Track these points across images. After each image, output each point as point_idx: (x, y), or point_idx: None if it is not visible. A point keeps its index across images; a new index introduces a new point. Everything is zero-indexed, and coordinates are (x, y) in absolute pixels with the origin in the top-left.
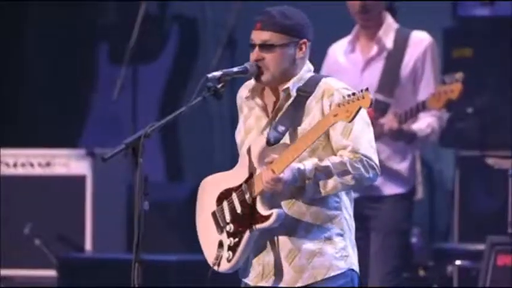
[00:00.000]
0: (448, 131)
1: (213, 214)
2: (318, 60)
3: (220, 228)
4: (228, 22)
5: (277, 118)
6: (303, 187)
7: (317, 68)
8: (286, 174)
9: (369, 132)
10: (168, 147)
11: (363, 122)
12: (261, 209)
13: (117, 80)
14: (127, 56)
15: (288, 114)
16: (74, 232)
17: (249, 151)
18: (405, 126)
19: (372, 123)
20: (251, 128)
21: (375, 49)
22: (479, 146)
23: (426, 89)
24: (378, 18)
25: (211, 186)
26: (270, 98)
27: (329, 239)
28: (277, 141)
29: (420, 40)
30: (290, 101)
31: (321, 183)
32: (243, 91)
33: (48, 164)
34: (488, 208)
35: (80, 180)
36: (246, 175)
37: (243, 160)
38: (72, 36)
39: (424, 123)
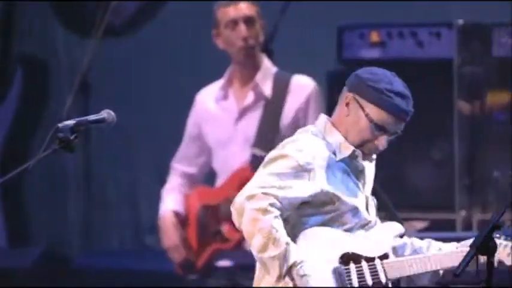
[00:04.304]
0: None
1: (335, 270)
2: None
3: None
4: (81, 64)
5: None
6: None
7: None
8: None
9: None
10: (10, 208)
11: None
12: None
13: None
14: None
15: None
16: None
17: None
18: None
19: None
20: (354, 190)
21: (251, 96)
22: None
23: None
24: (257, 57)
25: (326, 238)
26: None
27: None
28: None
29: (302, 86)
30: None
31: None
32: (321, 152)
33: None
34: None
35: None
36: (373, 249)
37: (363, 229)
38: None
39: None
